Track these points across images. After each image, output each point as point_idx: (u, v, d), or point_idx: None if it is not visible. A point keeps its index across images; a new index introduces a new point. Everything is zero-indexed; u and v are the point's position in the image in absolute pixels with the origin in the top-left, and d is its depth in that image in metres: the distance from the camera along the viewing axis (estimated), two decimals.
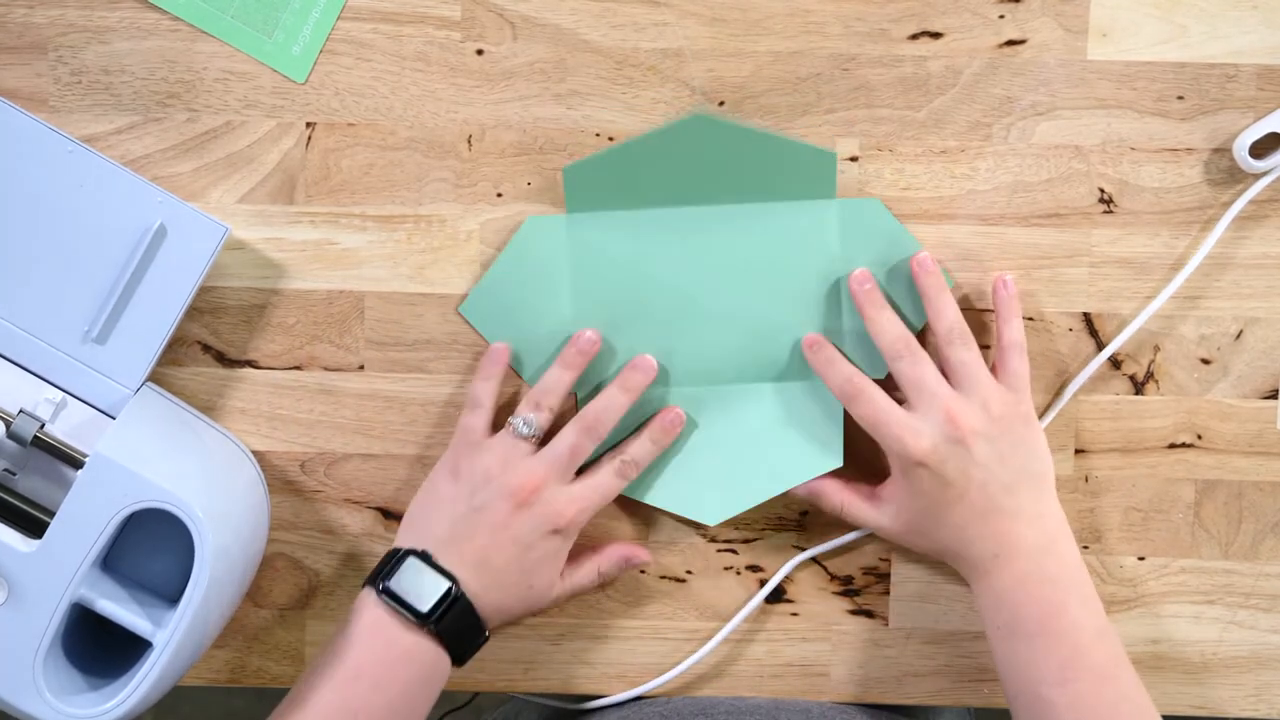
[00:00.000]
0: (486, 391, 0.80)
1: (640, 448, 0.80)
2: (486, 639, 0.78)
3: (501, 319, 0.81)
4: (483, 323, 0.81)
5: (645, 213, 0.81)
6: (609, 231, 0.81)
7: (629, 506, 0.85)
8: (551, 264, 0.81)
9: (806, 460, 0.82)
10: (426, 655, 0.76)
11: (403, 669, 0.75)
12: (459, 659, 0.78)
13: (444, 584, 0.76)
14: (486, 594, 0.77)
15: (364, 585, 0.77)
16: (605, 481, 0.79)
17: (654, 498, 0.82)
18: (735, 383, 0.83)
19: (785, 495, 0.84)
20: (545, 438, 0.80)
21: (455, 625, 0.76)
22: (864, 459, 0.84)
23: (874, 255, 0.81)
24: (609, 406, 0.79)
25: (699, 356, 0.83)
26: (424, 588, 0.76)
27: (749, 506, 0.82)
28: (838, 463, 0.82)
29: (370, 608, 0.76)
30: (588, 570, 0.82)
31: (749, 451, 0.82)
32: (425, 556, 0.77)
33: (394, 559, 0.77)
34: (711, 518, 0.82)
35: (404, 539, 0.79)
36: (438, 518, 0.78)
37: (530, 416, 0.78)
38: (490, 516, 0.77)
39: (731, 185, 0.81)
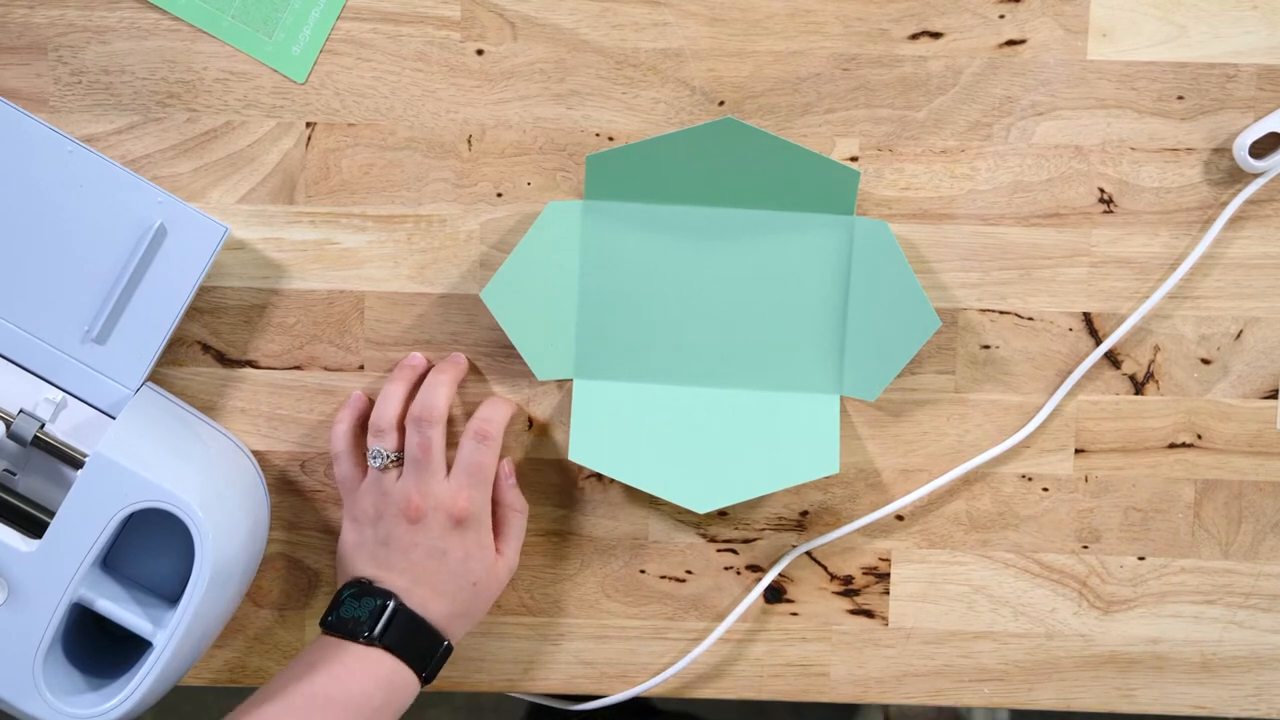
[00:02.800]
0: (340, 437, 0.81)
1: (489, 408, 0.81)
2: (449, 648, 0.79)
3: (518, 306, 0.81)
4: (501, 310, 0.81)
5: (662, 208, 0.81)
6: (623, 222, 0.81)
7: (625, 507, 0.85)
8: (565, 251, 0.82)
9: (802, 465, 0.82)
10: (383, 664, 0.76)
11: (358, 675, 0.76)
12: (423, 670, 0.78)
13: (382, 600, 0.77)
14: (432, 605, 0.78)
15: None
16: (471, 454, 0.79)
17: (646, 483, 0.82)
18: (735, 387, 0.83)
19: (786, 495, 0.84)
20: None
21: (404, 636, 0.77)
22: (858, 468, 0.84)
23: (877, 276, 0.81)
24: (433, 392, 0.79)
25: (700, 357, 0.83)
26: (364, 609, 0.77)
27: (740, 500, 0.82)
28: (834, 470, 0.82)
29: (318, 639, 0.78)
30: (508, 526, 0.82)
31: (745, 450, 0.82)
32: (362, 583, 0.78)
33: (334, 599, 0.78)
34: (701, 506, 0.82)
35: (339, 583, 0.81)
36: (360, 560, 0.79)
37: (377, 447, 0.79)
38: (399, 543, 0.78)
39: (752, 191, 0.81)
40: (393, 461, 0.79)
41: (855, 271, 0.82)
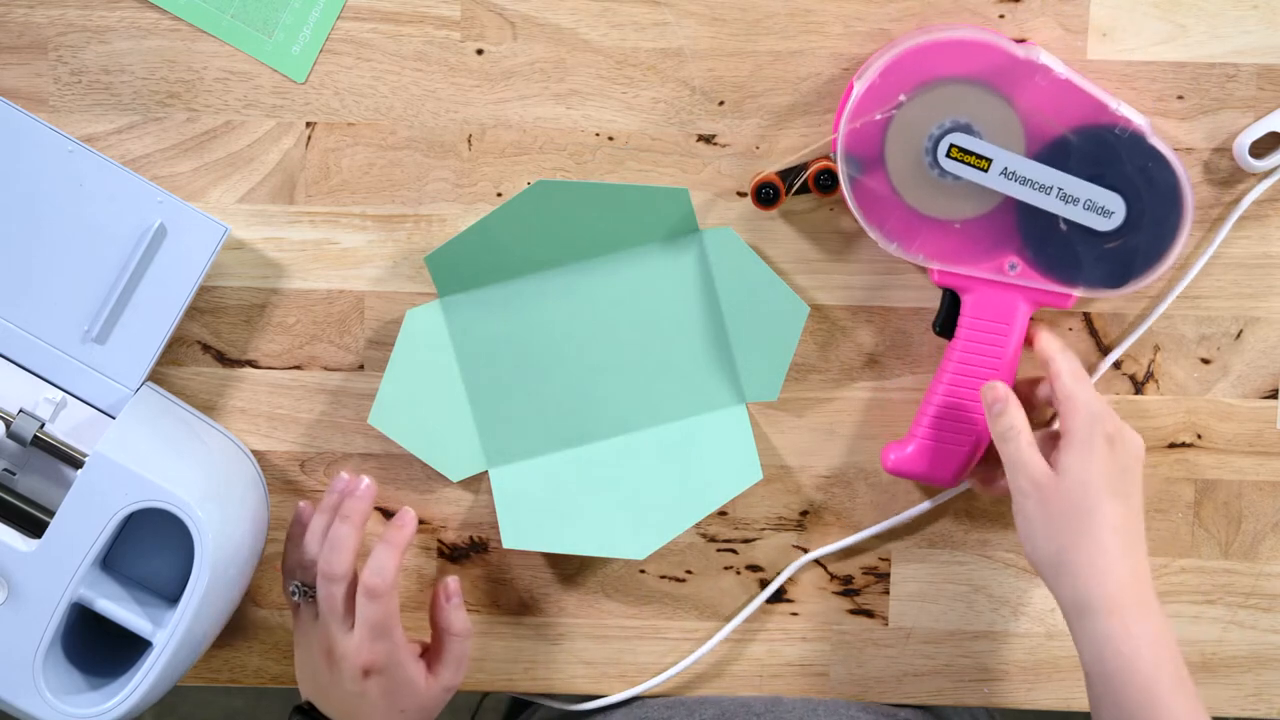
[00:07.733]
0: (291, 556, 0.82)
1: (378, 557, 0.78)
2: None
3: (410, 420, 0.81)
4: (394, 429, 0.81)
5: (515, 283, 0.81)
6: (484, 308, 0.81)
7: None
8: (438, 352, 0.81)
9: (726, 481, 0.82)
10: None
11: None
12: None
13: None
14: None
15: None
16: (367, 611, 0.77)
17: (583, 547, 0.82)
18: (643, 428, 0.83)
19: (786, 495, 0.84)
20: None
21: None
22: (858, 468, 0.84)
23: (739, 281, 0.81)
24: (338, 542, 0.78)
25: (600, 410, 0.83)
26: None
27: (676, 534, 0.82)
28: (757, 477, 0.82)
29: None
30: (447, 652, 0.81)
31: (670, 485, 0.83)
32: (303, 709, 0.80)
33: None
34: (639, 552, 0.82)
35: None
36: (304, 683, 0.81)
37: (294, 583, 0.81)
38: (324, 679, 0.79)
39: (592, 240, 0.81)
40: (309, 598, 0.80)
41: (718, 282, 0.82)
